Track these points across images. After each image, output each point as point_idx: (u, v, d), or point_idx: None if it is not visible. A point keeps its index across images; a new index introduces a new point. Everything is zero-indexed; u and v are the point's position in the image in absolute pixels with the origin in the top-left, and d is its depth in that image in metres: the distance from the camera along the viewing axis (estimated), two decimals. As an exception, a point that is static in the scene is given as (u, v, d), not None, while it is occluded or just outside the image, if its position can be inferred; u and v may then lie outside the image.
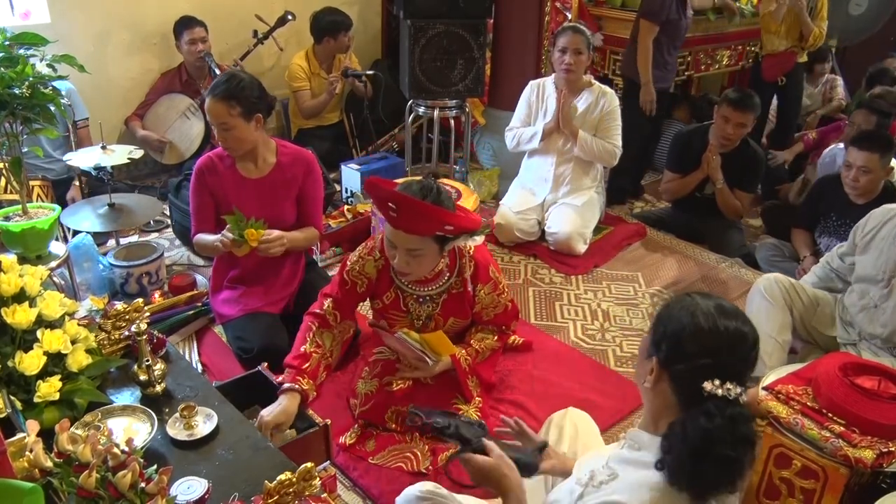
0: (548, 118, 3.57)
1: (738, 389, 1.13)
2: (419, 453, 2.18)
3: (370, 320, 2.43)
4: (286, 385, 2.03)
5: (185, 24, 3.98)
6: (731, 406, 1.13)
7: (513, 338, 2.65)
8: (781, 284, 2.58)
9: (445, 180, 3.65)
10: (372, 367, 2.35)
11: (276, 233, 2.48)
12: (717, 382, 1.13)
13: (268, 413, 1.94)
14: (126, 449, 1.32)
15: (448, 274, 2.25)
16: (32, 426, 1.37)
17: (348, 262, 2.26)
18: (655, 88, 4.02)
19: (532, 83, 3.67)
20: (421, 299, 2.26)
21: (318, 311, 2.24)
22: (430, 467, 2.13)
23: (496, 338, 2.40)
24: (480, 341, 2.35)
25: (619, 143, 3.55)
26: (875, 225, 2.48)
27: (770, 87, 4.46)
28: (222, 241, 2.43)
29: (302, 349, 2.15)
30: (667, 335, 1.21)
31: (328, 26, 4.23)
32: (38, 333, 1.66)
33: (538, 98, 3.63)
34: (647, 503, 1.14)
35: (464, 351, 2.30)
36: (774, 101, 4.69)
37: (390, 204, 1.95)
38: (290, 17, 4.22)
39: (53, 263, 2.51)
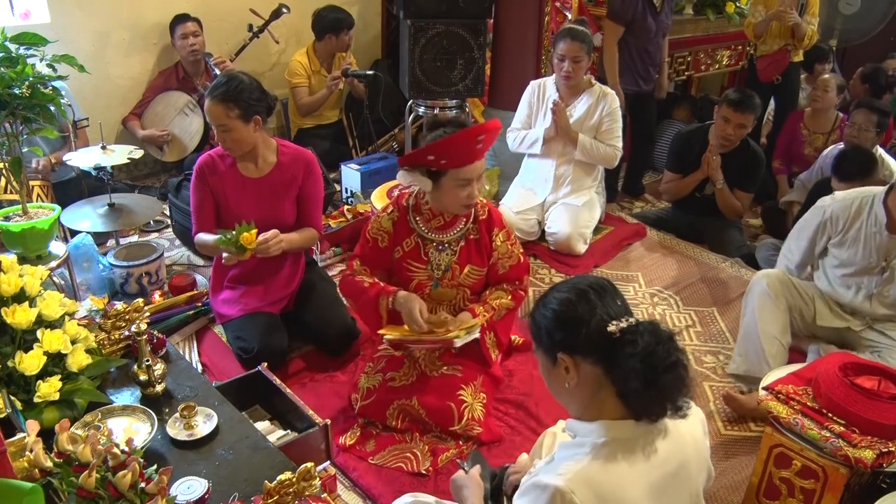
0: (548, 119, 3.56)
1: (632, 318, 1.25)
2: (419, 453, 2.18)
3: (386, 334, 2.33)
4: (394, 292, 2.26)
5: (177, 20, 4.01)
6: (640, 326, 1.23)
7: (513, 337, 2.66)
8: (781, 280, 2.58)
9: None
10: (376, 363, 2.36)
11: (271, 232, 2.48)
12: (615, 323, 1.23)
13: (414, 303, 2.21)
14: (126, 449, 1.33)
15: (464, 219, 2.35)
16: (32, 426, 1.37)
17: (369, 224, 2.39)
18: (628, 91, 4.00)
19: (533, 83, 3.67)
20: (440, 247, 2.34)
21: (348, 273, 2.39)
22: (430, 467, 2.13)
23: (510, 297, 2.43)
24: (497, 299, 2.40)
25: (620, 144, 3.54)
26: (844, 221, 2.48)
27: (767, 87, 4.45)
28: (226, 257, 2.43)
29: (366, 284, 2.31)
30: (552, 329, 1.28)
31: (331, 24, 4.24)
32: (38, 333, 1.67)
33: (538, 99, 3.62)
34: (560, 480, 1.18)
35: (482, 307, 2.35)
36: (772, 104, 4.68)
37: (479, 137, 2.12)
38: (284, 10, 4.22)
39: (53, 263, 2.51)
